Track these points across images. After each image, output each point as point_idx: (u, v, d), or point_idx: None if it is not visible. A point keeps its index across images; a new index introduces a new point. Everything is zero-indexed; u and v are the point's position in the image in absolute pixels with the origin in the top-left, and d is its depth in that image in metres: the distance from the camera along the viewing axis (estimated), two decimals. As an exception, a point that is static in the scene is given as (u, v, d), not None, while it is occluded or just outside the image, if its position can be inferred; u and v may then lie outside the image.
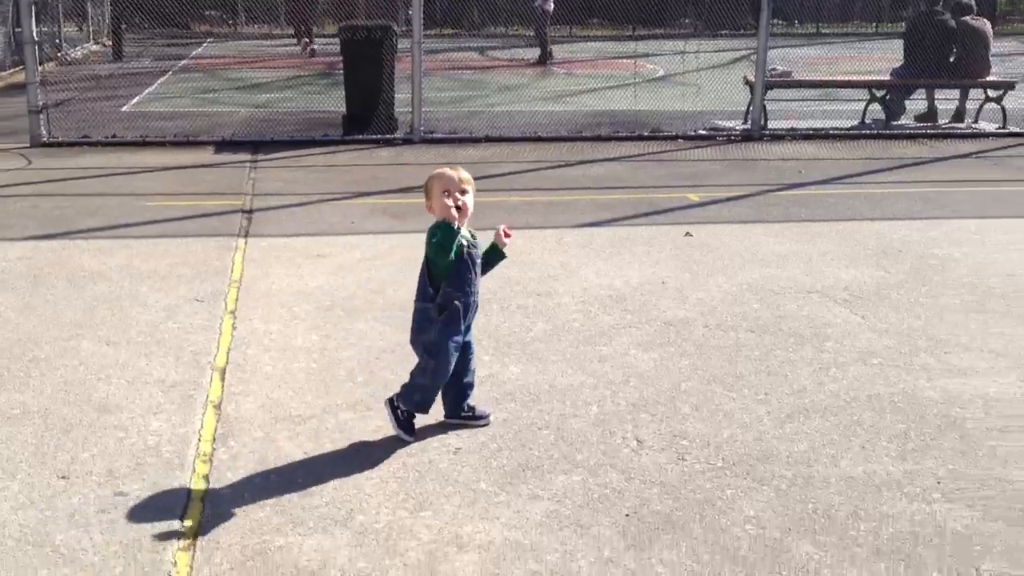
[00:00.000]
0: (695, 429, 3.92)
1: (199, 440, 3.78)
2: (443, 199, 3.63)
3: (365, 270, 5.98)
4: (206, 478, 3.49)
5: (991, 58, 12.10)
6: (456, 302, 3.71)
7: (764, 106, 11.29)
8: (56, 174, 8.76)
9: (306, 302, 5.38)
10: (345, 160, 9.77)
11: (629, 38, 19.98)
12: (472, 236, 3.75)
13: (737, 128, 11.53)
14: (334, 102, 11.48)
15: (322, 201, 7.90)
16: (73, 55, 17.92)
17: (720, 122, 11.83)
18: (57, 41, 18.16)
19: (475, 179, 3.76)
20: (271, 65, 17.63)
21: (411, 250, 6.36)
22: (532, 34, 19.56)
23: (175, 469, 3.54)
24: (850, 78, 13.31)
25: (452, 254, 3.62)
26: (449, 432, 3.86)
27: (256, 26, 24.03)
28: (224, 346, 4.74)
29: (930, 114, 12.24)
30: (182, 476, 3.49)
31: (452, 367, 3.76)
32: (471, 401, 3.94)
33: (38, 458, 3.61)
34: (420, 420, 3.94)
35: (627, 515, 3.29)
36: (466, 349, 3.84)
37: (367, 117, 10.60)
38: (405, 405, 3.80)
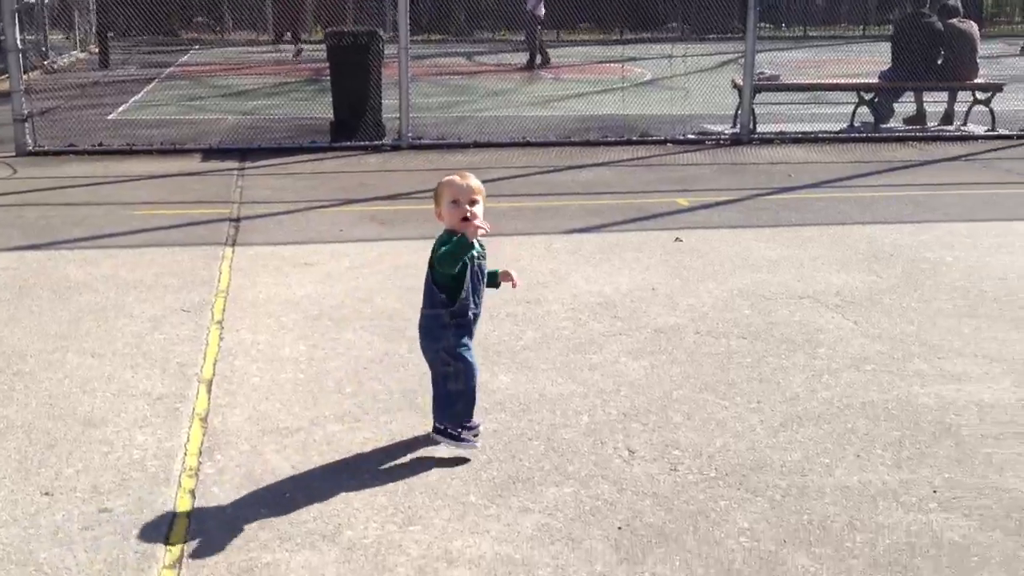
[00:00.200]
0: (687, 439, 3.88)
1: (185, 454, 3.72)
2: (451, 209, 3.57)
3: (353, 278, 5.93)
4: (192, 493, 3.43)
5: (978, 60, 12.12)
6: (470, 312, 3.66)
7: (753, 110, 11.28)
8: (42, 183, 8.69)
9: (293, 311, 5.33)
10: (333, 167, 9.71)
11: (616, 42, 19.97)
12: (481, 247, 3.67)
13: (726, 132, 11.52)
14: (321, 108, 11.42)
15: (310, 209, 7.85)
16: (59, 63, 17.83)
17: (709, 126, 11.82)
18: (43, 49, 18.06)
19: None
20: (258, 72, 17.56)
21: (399, 257, 6.33)
22: (521, 39, 19.53)
23: (160, 484, 3.48)
24: (838, 81, 13.31)
25: (457, 267, 3.55)
26: (438, 443, 3.81)
27: (243, 32, 23.94)
28: (211, 357, 4.68)
29: (919, 117, 12.25)
30: (168, 492, 3.44)
31: (476, 368, 3.70)
32: None
33: (21, 474, 3.55)
34: (409, 431, 3.91)
35: (619, 528, 3.24)
36: None
37: (355, 123, 10.55)
38: (450, 421, 3.69)
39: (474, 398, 3.73)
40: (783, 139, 11.29)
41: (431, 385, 3.75)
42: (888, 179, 9.27)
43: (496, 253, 3.80)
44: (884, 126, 12.05)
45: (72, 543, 3.12)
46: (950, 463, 3.69)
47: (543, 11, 18.36)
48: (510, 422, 4.02)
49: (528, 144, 10.77)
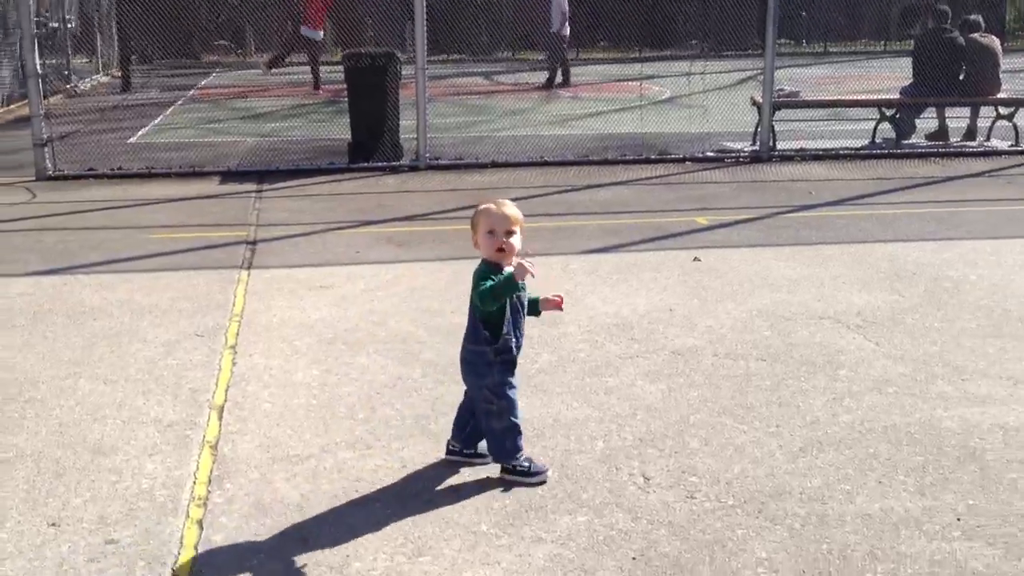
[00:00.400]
0: (704, 465, 3.80)
1: (194, 483, 3.68)
2: (487, 239, 3.49)
3: (368, 301, 5.89)
4: (200, 523, 3.39)
5: (1001, 75, 11.99)
6: (513, 348, 3.60)
7: (772, 127, 11.19)
8: (60, 207, 8.72)
9: (308, 335, 5.29)
10: (350, 188, 9.70)
11: (635, 60, 19.94)
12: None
13: (745, 149, 11.44)
14: (339, 130, 11.44)
15: (327, 230, 7.83)
16: (82, 87, 17.99)
17: (728, 144, 11.75)
18: (66, 73, 18.24)
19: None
20: (277, 93, 17.65)
21: (415, 279, 6.29)
22: (542, 58, 19.56)
23: (168, 515, 3.44)
24: (859, 97, 13.20)
25: (498, 305, 3.48)
26: (450, 471, 3.75)
27: (264, 55, 24.05)
28: (223, 383, 4.65)
29: (941, 132, 12.12)
30: (175, 522, 3.39)
31: (517, 402, 3.65)
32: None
33: (28, 504, 3.52)
34: (421, 457, 3.85)
35: (634, 558, 3.17)
36: None
37: (372, 144, 10.55)
38: (511, 460, 3.64)
39: (520, 431, 3.67)
40: (803, 156, 11.19)
41: (453, 410, 3.69)
42: (910, 196, 9.16)
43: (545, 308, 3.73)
44: (906, 142, 11.94)
45: None
46: (974, 489, 3.59)
47: (568, 31, 18.40)
48: (524, 447, 3.94)
49: (546, 163, 10.73)
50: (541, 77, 18.97)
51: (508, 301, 3.54)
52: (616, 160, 10.90)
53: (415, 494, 3.59)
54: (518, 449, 3.66)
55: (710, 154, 11.25)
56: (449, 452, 3.82)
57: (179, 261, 6.86)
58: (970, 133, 12.15)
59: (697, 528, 3.35)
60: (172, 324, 5.47)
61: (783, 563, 3.13)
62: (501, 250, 3.48)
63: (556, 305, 3.75)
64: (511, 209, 3.53)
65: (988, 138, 12.04)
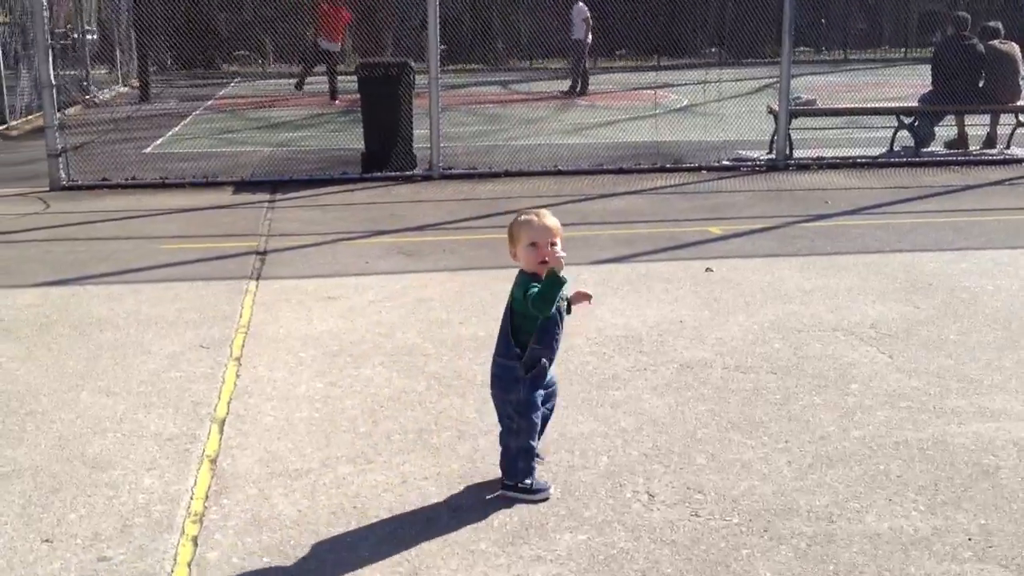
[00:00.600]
0: (710, 481, 3.72)
1: (191, 498, 3.63)
2: (530, 251, 3.43)
3: (375, 312, 5.84)
4: (194, 540, 3.33)
5: (1021, 82, 11.85)
6: (544, 360, 3.54)
7: (789, 135, 11.10)
8: (72, 218, 8.73)
9: (313, 347, 5.25)
10: (363, 198, 9.67)
11: (651, 68, 19.87)
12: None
13: (761, 158, 11.35)
14: (353, 139, 11.43)
15: (338, 241, 7.79)
16: (101, 97, 18.09)
17: (744, 152, 11.65)
18: (85, 83, 18.35)
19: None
20: (293, 103, 17.67)
21: (423, 290, 6.24)
22: (557, 67, 19.54)
23: (163, 531, 3.39)
24: (877, 105, 13.07)
25: (554, 308, 3.41)
26: (451, 486, 3.68)
27: (284, 65, 24.12)
28: (225, 396, 4.60)
29: (960, 140, 11.98)
30: (170, 539, 3.34)
31: (538, 424, 3.60)
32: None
33: (23, 520, 3.48)
34: (421, 473, 3.78)
35: (635, 578, 3.09)
36: (550, 396, 3.72)
37: (386, 154, 10.53)
38: (518, 479, 3.57)
39: (535, 454, 3.61)
40: (820, 165, 11.09)
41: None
42: (928, 205, 9.04)
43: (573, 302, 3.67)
44: (925, 150, 11.81)
45: (69, 593, 3.04)
46: (987, 508, 3.49)
47: (591, 39, 18.39)
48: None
49: (560, 172, 10.68)
50: (556, 86, 18.92)
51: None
52: (631, 169, 10.82)
53: (414, 510, 3.53)
54: (530, 471, 3.60)
55: (726, 163, 11.16)
56: (504, 486, 3.66)
57: (188, 272, 6.84)
58: (990, 141, 12.01)
59: (701, 547, 3.26)
60: (178, 336, 5.44)
61: (788, 585, 3.05)
62: (544, 262, 3.40)
63: (585, 297, 3.74)
64: (551, 220, 3.48)
65: (1008, 146, 11.90)
